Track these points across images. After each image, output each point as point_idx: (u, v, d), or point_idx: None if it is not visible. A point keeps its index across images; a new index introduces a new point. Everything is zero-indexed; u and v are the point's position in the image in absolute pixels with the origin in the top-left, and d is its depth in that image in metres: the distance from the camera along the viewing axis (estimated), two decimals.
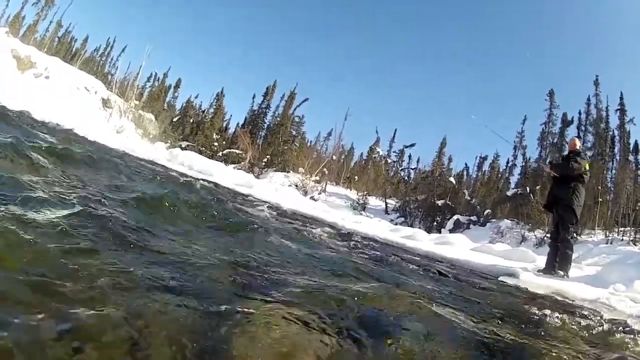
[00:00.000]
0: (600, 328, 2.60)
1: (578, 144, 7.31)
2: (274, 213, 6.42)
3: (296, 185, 26.92)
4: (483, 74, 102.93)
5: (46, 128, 9.20)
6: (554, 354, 1.81)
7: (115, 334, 1.12)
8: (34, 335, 1.02)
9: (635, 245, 15.29)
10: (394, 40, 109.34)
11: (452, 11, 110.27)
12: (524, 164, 31.63)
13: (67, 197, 2.53)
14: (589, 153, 24.04)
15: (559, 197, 6.46)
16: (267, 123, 39.05)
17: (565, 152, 7.61)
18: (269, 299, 1.70)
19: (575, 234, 6.78)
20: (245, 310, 1.48)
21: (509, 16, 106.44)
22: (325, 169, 32.22)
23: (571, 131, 29.24)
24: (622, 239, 17.44)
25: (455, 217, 26.06)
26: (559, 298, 3.92)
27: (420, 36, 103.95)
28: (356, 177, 37.92)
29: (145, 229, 2.37)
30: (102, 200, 2.69)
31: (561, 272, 6.11)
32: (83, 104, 26.24)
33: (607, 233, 19.30)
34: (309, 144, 42.70)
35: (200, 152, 25.44)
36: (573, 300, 3.92)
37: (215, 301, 1.51)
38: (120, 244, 1.94)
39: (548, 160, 7.49)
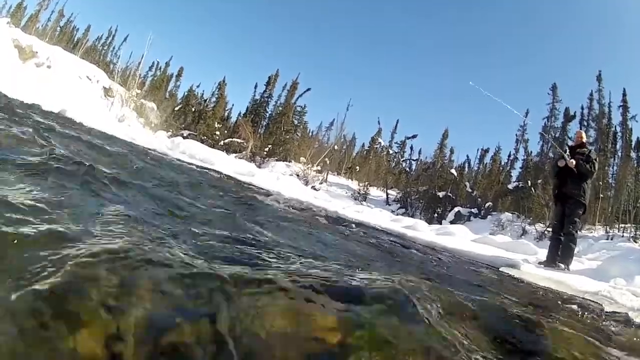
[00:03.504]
0: (601, 320, 2.60)
1: (584, 136, 7.30)
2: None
3: (297, 175, 26.89)
4: (486, 67, 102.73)
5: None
6: (555, 344, 1.81)
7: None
8: None
9: (636, 242, 15.30)
10: (397, 31, 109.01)
11: (458, 1, 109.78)
12: (525, 157, 31.67)
13: None
14: (590, 148, 24.12)
15: (571, 193, 6.40)
16: (269, 112, 38.85)
17: (570, 144, 7.52)
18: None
19: (578, 229, 6.72)
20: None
21: (512, 10, 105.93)
22: (326, 159, 32.18)
23: (573, 126, 29.31)
24: (623, 235, 17.48)
25: (456, 209, 26.10)
26: (560, 290, 3.92)
27: (423, 26, 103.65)
28: (357, 168, 37.89)
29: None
30: None
31: (562, 265, 6.12)
32: (85, 92, 26.16)
33: (608, 229, 19.34)
34: (310, 133, 42.59)
35: (202, 141, 25.37)
36: (574, 293, 3.91)
37: None
38: None
39: (561, 155, 7.06)
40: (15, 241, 1.18)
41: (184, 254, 1.40)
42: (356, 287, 1.83)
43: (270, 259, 1.77)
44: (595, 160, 6.61)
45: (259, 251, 1.87)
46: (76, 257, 1.08)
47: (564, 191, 6.50)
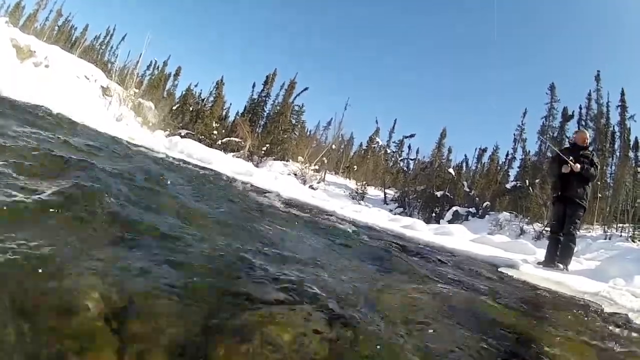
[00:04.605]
0: (602, 321, 2.59)
1: (588, 138, 7.24)
2: None
3: (295, 174, 26.90)
4: (486, 67, 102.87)
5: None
6: (556, 345, 1.79)
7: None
8: None
9: (634, 241, 15.32)
10: (396, 31, 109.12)
11: (457, 1, 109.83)
12: (523, 157, 31.75)
13: None
14: (592, 151, 24.22)
15: (574, 196, 6.36)
16: (267, 112, 38.86)
17: (570, 142, 7.44)
18: None
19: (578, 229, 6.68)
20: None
21: (511, 10, 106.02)
22: (324, 158, 32.17)
23: (571, 125, 29.40)
24: (621, 235, 17.51)
25: (454, 208, 26.13)
26: (560, 290, 3.90)
27: (423, 26, 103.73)
28: (355, 167, 37.94)
29: None
30: None
31: (561, 265, 6.09)
32: (83, 92, 26.05)
33: (606, 228, 19.36)
34: (308, 133, 42.69)
35: (200, 141, 25.32)
36: (573, 293, 3.89)
37: None
38: None
39: (563, 159, 6.85)
40: None
41: None
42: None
43: None
44: (598, 164, 6.59)
45: None
46: None
47: (567, 195, 6.44)
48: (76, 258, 1.35)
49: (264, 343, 1.16)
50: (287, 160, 31.62)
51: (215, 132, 35.29)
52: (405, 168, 37.56)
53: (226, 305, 1.33)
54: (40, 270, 1.19)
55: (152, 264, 1.48)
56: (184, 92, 43.64)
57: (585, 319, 2.55)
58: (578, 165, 6.28)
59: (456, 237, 9.28)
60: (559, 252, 6.31)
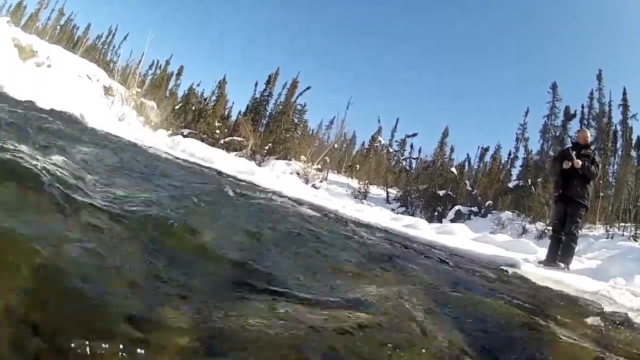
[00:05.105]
0: (601, 320, 2.60)
1: (590, 137, 7.28)
2: None
3: (298, 173, 26.81)
4: (487, 65, 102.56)
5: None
6: (554, 344, 1.81)
7: None
8: None
9: (636, 241, 15.25)
10: (397, 29, 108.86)
11: (458, 0, 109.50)
12: (525, 156, 31.65)
13: None
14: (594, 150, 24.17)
15: (575, 195, 6.37)
16: (269, 111, 38.75)
17: (573, 141, 7.45)
18: None
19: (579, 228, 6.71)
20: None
21: (512, 9, 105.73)
22: (327, 158, 32.11)
23: (573, 125, 29.35)
24: (623, 234, 17.43)
25: (456, 207, 26.09)
26: (560, 289, 3.92)
27: (424, 25, 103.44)
28: (358, 166, 37.91)
29: None
30: None
31: (562, 265, 6.11)
32: (85, 91, 26.03)
33: (608, 228, 19.30)
34: (311, 132, 42.53)
35: (202, 140, 25.24)
36: (573, 292, 3.91)
37: None
38: None
39: (567, 153, 6.83)
40: None
41: None
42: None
43: None
44: (599, 162, 6.61)
45: None
46: None
47: (568, 194, 6.45)
48: None
49: None
50: (290, 160, 31.56)
51: (217, 131, 35.22)
52: (407, 167, 37.46)
53: None
54: None
55: None
56: (186, 92, 43.71)
57: (584, 318, 2.57)
58: (579, 161, 6.31)
59: (458, 236, 9.28)
60: (560, 251, 6.34)
